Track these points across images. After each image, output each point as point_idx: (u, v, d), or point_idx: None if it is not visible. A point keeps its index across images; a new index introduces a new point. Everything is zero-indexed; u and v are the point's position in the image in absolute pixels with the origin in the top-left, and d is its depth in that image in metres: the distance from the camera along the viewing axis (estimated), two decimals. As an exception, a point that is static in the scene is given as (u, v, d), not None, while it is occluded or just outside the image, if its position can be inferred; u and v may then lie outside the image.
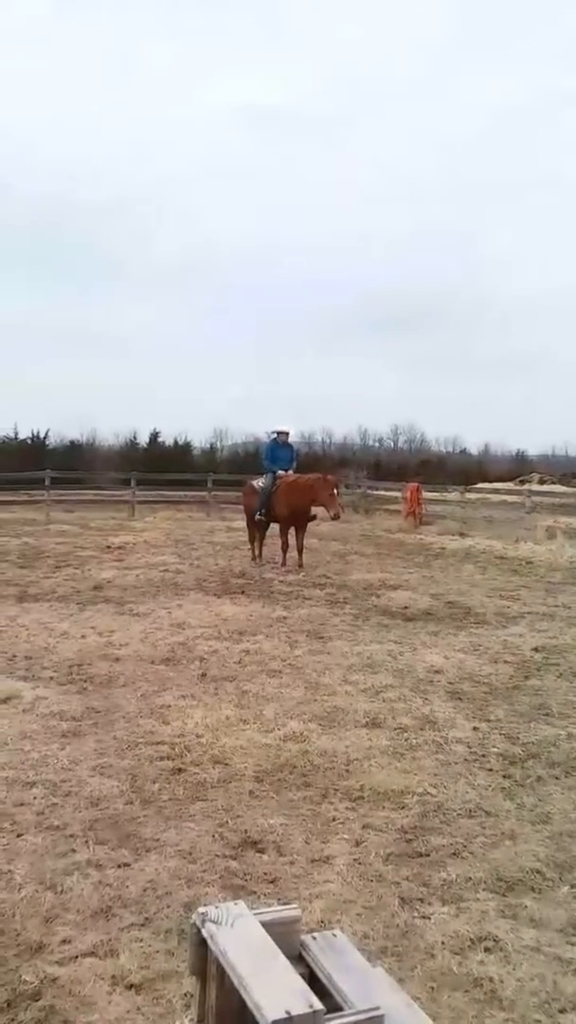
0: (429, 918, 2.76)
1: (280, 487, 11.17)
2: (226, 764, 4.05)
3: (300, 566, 10.95)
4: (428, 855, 3.21)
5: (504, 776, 4.03)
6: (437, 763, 4.15)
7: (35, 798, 3.61)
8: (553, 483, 33.87)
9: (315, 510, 11.22)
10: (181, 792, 3.73)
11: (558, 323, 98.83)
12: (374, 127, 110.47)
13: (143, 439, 40.01)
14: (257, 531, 11.74)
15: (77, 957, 2.49)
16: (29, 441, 36.26)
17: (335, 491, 11.16)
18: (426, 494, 19.57)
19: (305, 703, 5.04)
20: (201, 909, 1.64)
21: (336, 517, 11.21)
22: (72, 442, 39.12)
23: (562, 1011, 2.31)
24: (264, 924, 1.59)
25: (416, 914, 2.79)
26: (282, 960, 1.49)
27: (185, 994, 2.28)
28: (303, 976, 1.52)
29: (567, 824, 3.51)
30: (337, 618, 7.78)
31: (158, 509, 20.32)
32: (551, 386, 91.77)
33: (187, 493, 22.89)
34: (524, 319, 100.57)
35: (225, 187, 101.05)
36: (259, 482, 11.70)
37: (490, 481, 35.70)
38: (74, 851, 3.15)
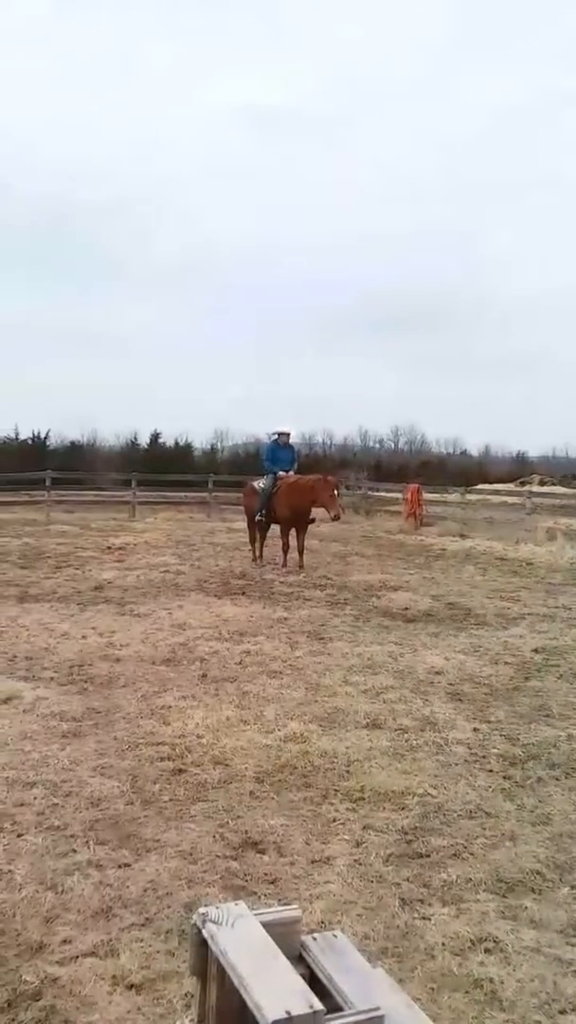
0: (429, 919, 2.76)
1: (281, 488, 11.18)
2: (227, 765, 4.05)
3: (301, 567, 10.95)
4: (428, 856, 3.21)
5: (504, 777, 4.03)
6: (437, 764, 4.15)
7: (35, 798, 3.61)
8: (553, 484, 33.91)
9: (315, 512, 11.23)
10: (182, 793, 3.73)
11: (558, 323, 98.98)
12: (374, 127, 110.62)
13: (144, 440, 40.12)
14: (258, 532, 11.75)
15: (77, 957, 2.50)
16: (30, 441, 36.34)
17: (335, 492, 11.17)
18: (427, 495, 19.59)
19: (306, 704, 5.04)
20: (202, 909, 1.65)
21: (336, 518, 11.22)
22: (73, 443, 39.22)
23: (562, 1012, 2.31)
24: (264, 925, 1.60)
25: (416, 915, 2.79)
26: (282, 960, 1.49)
27: (185, 994, 2.28)
28: (303, 977, 1.52)
29: (567, 825, 3.51)
30: (338, 619, 7.78)
31: (159, 510, 20.32)
32: (551, 387, 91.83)
33: (188, 494, 22.90)
34: (524, 319, 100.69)
35: (225, 187, 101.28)
36: (259, 483, 11.71)
37: (490, 482, 35.74)
38: (75, 851, 3.15)
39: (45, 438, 37.13)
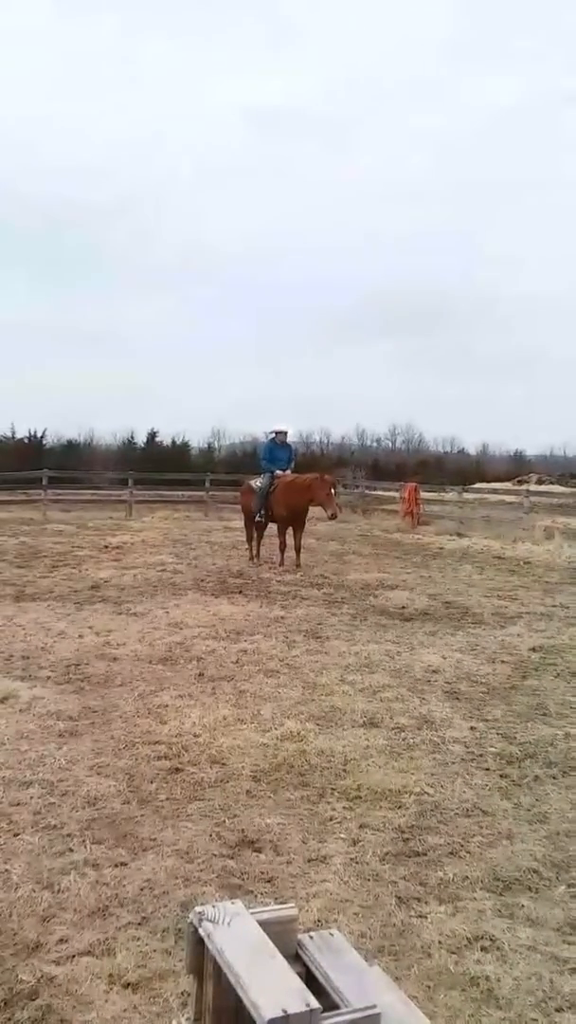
0: (426, 917, 2.76)
1: (278, 487, 11.18)
2: (223, 764, 4.05)
3: (298, 566, 10.95)
4: (425, 854, 3.21)
5: (501, 776, 4.04)
6: (434, 763, 4.16)
7: (32, 798, 3.60)
8: (551, 483, 33.94)
9: (311, 510, 11.22)
10: (178, 792, 3.73)
11: (557, 323, 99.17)
12: (374, 127, 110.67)
13: (141, 439, 40.09)
14: (255, 531, 11.75)
15: (74, 956, 2.50)
16: (26, 440, 36.30)
17: (332, 491, 11.16)
18: (424, 494, 19.58)
19: (302, 703, 5.04)
20: (198, 908, 1.64)
21: (333, 517, 11.23)
22: (70, 442, 39.23)
23: (559, 1010, 2.32)
24: (261, 923, 1.59)
25: (413, 913, 2.79)
26: (279, 959, 1.49)
27: (182, 993, 2.28)
28: (300, 975, 1.51)
29: (564, 823, 3.52)
30: (335, 618, 7.78)
31: (156, 509, 20.29)
32: (549, 386, 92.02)
33: (185, 493, 22.87)
34: (523, 319, 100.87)
35: (225, 187, 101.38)
36: (257, 482, 11.71)
37: (488, 481, 35.77)
38: (71, 850, 3.14)
39: (42, 437, 37.12)
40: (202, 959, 1.57)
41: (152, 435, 39.75)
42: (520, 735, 4.60)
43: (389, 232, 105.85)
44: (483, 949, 2.58)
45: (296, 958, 1.60)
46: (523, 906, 2.85)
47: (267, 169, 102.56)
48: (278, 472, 11.37)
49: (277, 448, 11.71)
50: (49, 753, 4.12)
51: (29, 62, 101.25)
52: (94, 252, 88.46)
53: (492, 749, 4.38)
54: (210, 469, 27.72)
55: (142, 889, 2.88)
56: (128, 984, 2.36)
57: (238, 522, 13.54)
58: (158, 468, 28.23)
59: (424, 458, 48.78)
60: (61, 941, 2.57)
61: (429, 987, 2.39)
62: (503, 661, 6.31)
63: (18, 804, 3.54)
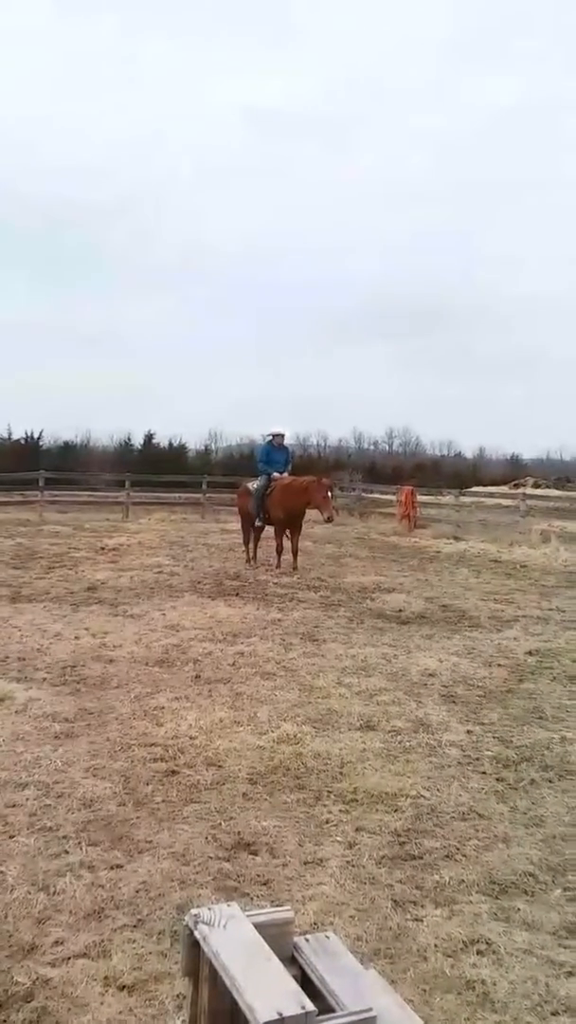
0: (422, 920, 2.76)
1: (275, 489, 11.18)
2: (219, 766, 4.04)
3: (295, 568, 10.95)
4: (421, 858, 3.21)
5: (497, 779, 4.04)
6: (431, 766, 4.16)
7: (28, 799, 3.59)
8: (548, 487, 33.98)
9: (308, 513, 11.22)
10: (174, 794, 3.73)
11: (556, 325, 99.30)
12: (374, 127, 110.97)
13: (138, 440, 40.05)
14: (252, 533, 11.75)
15: (69, 958, 2.49)
16: (23, 441, 36.21)
17: (329, 494, 11.16)
18: (421, 497, 19.61)
19: (299, 705, 5.04)
20: (194, 911, 1.64)
21: (330, 520, 11.24)
22: (66, 443, 39.13)
23: (555, 1014, 2.32)
24: (257, 926, 1.59)
25: (409, 916, 2.79)
26: (275, 962, 1.49)
27: (177, 995, 2.28)
28: (296, 978, 1.52)
29: (560, 827, 3.52)
30: (331, 621, 7.78)
31: (152, 511, 20.27)
32: (547, 389, 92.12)
33: (182, 495, 22.87)
34: (521, 321, 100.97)
35: (225, 187, 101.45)
36: (253, 484, 11.71)
37: (485, 485, 35.79)
38: (67, 852, 3.14)
39: (38, 438, 37.04)
40: (198, 962, 1.57)
41: (149, 437, 39.73)
42: (516, 739, 4.60)
43: (389, 232, 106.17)
44: (479, 953, 2.58)
45: (292, 961, 1.60)
46: (519, 910, 2.85)
47: (267, 169, 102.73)
48: (275, 475, 11.37)
49: (274, 450, 11.71)
50: (45, 755, 4.11)
51: (29, 62, 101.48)
52: (94, 252, 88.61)
53: (488, 753, 4.39)
54: (207, 471, 27.72)
55: (138, 891, 2.88)
56: (124, 986, 2.36)
57: (235, 524, 13.54)
58: (155, 470, 28.18)
59: (421, 461, 48.85)
60: (57, 943, 2.57)
61: (425, 990, 2.39)
62: (499, 665, 6.31)
63: (14, 806, 3.53)
